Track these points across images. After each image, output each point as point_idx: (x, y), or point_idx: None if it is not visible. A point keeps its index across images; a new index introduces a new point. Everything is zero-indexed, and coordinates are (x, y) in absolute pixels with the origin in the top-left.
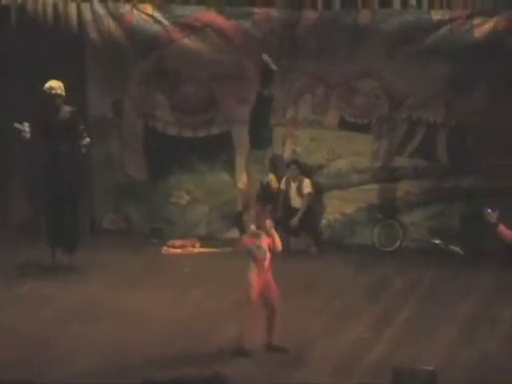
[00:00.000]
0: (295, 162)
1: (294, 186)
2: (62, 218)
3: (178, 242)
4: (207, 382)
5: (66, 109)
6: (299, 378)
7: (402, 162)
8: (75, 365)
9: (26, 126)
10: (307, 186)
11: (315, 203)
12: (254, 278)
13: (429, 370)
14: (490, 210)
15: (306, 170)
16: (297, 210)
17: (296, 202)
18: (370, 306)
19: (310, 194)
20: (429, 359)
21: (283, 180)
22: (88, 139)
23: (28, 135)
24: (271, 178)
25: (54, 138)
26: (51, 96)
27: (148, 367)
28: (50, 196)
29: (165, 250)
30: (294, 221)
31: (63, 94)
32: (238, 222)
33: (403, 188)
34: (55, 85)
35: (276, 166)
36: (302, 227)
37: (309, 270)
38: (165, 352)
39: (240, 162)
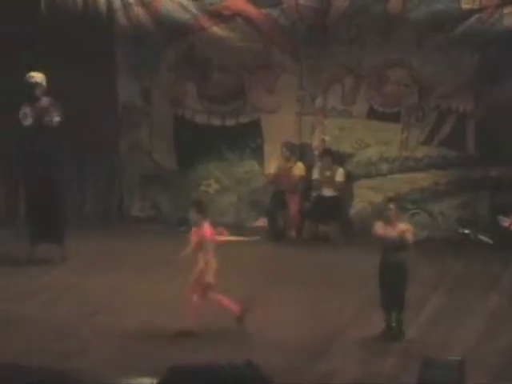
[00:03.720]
0: (328, 151)
1: (326, 174)
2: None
3: None
4: (238, 371)
5: (45, 100)
6: (326, 367)
7: (430, 151)
8: (99, 352)
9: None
10: (340, 174)
11: (344, 192)
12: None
13: (457, 359)
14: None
15: (337, 159)
16: (327, 198)
17: (327, 190)
18: None
19: (341, 182)
20: (457, 349)
21: (315, 169)
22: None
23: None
24: (300, 166)
25: (30, 128)
26: (31, 84)
27: (173, 354)
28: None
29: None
30: (324, 209)
31: (43, 84)
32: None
33: (431, 178)
34: (35, 74)
35: (304, 155)
36: (331, 216)
37: (336, 259)
38: (192, 338)
39: (269, 150)
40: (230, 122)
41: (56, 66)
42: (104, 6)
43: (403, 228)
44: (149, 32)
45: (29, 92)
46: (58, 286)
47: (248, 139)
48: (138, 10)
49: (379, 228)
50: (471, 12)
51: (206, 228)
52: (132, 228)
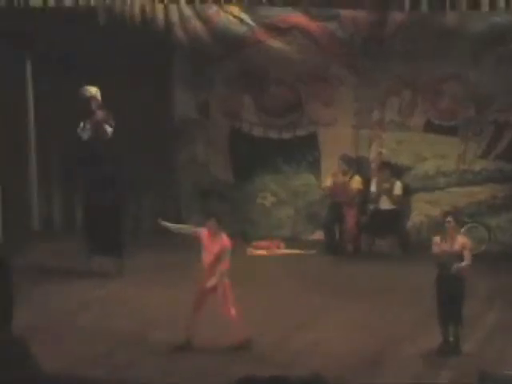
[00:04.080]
0: (387, 164)
1: (384, 187)
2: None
3: (262, 243)
4: (305, 382)
5: (100, 114)
6: (379, 381)
7: (487, 165)
8: (152, 366)
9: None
10: (398, 188)
11: (402, 205)
12: None
13: None
14: None
15: (394, 172)
16: (385, 211)
17: (385, 203)
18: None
19: (399, 196)
20: None
21: (374, 182)
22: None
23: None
24: (357, 179)
25: (87, 142)
26: (86, 98)
27: (224, 368)
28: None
29: (250, 251)
30: (381, 223)
31: (98, 97)
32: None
33: (489, 191)
34: (91, 89)
35: (361, 168)
36: (388, 229)
37: (392, 272)
38: (247, 352)
39: (325, 163)
40: (286, 135)
41: (113, 80)
42: (162, 19)
43: (462, 242)
44: (206, 45)
45: (84, 106)
46: (113, 300)
47: (305, 152)
48: (196, 23)
49: (437, 242)
50: None
51: (225, 238)
52: (189, 242)
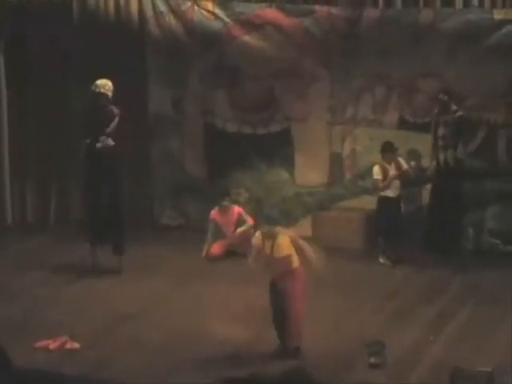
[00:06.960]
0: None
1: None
2: (103, 218)
3: None
4: (288, 376)
5: (111, 109)
6: (359, 378)
7: None
8: (127, 363)
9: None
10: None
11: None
12: None
13: (486, 371)
14: None
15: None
16: None
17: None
18: (426, 307)
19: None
20: (487, 361)
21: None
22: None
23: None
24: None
25: (96, 136)
26: (96, 94)
27: (207, 364)
28: (92, 195)
29: None
30: None
31: (109, 93)
32: None
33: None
34: (102, 83)
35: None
36: None
37: (359, 269)
38: (222, 349)
39: (299, 159)
40: (260, 131)
41: (86, 75)
42: (136, 15)
43: None
44: (180, 41)
45: (94, 102)
46: (87, 293)
47: (278, 148)
48: (170, 19)
49: None
50: (504, 22)
51: (235, 207)
52: (161, 237)
